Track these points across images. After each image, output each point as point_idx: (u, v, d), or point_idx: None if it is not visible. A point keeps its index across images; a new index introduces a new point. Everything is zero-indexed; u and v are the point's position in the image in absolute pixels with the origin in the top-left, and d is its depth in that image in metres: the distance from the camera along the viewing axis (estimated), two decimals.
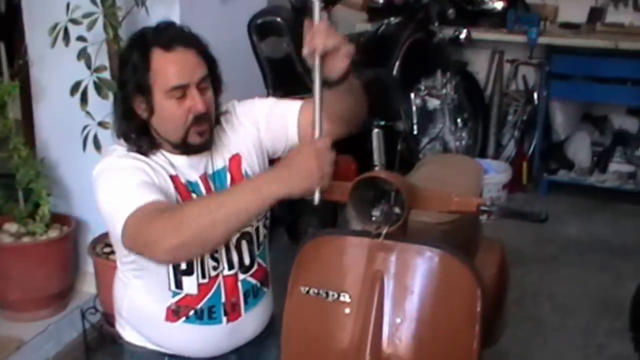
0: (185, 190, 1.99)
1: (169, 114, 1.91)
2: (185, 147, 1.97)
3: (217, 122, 2.06)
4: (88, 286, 3.31)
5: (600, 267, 3.97)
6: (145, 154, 1.96)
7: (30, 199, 3.19)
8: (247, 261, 2.08)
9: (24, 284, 3.16)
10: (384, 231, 1.68)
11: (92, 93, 2.90)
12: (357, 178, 1.73)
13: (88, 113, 2.92)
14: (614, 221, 4.53)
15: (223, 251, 2.03)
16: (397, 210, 1.71)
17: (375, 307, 1.67)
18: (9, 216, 3.22)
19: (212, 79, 2.00)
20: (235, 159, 2.07)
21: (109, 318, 3.08)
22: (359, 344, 1.67)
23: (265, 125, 2.09)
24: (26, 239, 3.16)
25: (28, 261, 3.15)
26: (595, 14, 4.89)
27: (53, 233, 3.20)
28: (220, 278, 2.04)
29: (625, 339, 2.93)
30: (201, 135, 1.95)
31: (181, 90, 1.89)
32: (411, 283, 1.68)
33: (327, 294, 1.71)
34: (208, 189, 2.02)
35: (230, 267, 2.05)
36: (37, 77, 3.34)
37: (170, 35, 1.91)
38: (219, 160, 2.05)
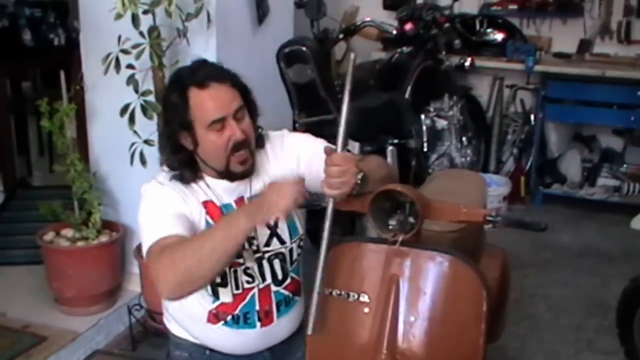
0: (219, 212, 1.97)
1: (212, 145, 1.91)
2: (228, 175, 1.96)
3: (261, 145, 2.04)
4: (134, 285, 3.31)
5: (590, 271, 3.93)
6: (187, 182, 1.96)
7: (84, 208, 3.20)
8: (280, 276, 2.06)
9: (78, 282, 3.17)
10: (400, 238, 1.68)
11: (138, 114, 2.91)
12: (376, 191, 1.71)
13: (135, 132, 2.93)
14: (602, 230, 4.49)
15: (256, 268, 2.01)
16: (411, 219, 1.70)
17: (392, 306, 1.66)
18: (66, 223, 3.23)
19: (248, 107, 1.97)
20: None
21: (152, 314, 3.08)
22: (376, 339, 1.66)
23: (305, 165, 2.05)
24: (80, 243, 3.17)
25: (82, 263, 3.16)
26: (584, 45, 4.89)
27: (103, 238, 3.20)
28: (254, 289, 2.02)
29: (612, 335, 2.89)
30: (242, 164, 1.94)
31: (220, 123, 1.88)
32: (424, 285, 1.67)
33: (348, 294, 1.71)
34: None
35: (264, 280, 2.03)
36: (91, 100, 3.36)
37: (204, 73, 1.89)
38: (259, 184, 2.01)
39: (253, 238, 2.01)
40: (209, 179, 1.99)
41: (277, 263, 2.05)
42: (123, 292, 3.33)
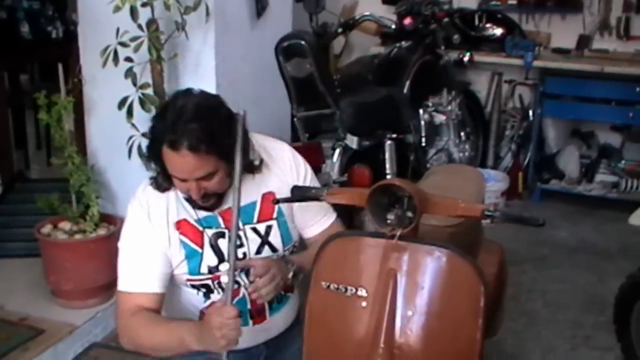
0: (195, 230, 1.97)
1: (174, 181, 1.89)
2: (191, 203, 1.95)
3: (254, 171, 1.99)
4: None
5: (587, 267, 3.94)
6: (162, 190, 1.95)
7: (81, 201, 3.20)
8: None
9: (76, 276, 3.17)
10: (398, 233, 1.67)
11: (137, 107, 2.91)
12: (374, 185, 1.71)
13: (133, 125, 2.93)
14: (599, 226, 4.50)
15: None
16: (409, 214, 1.69)
17: (389, 301, 1.65)
18: (63, 216, 3.23)
19: (228, 160, 1.84)
20: (271, 195, 2.01)
21: None
22: (374, 334, 1.66)
23: (296, 204, 2.05)
24: (78, 236, 3.17)
25: (80, 256, 3.16)
26: (583, 41, 4.88)
27: (101, 231, 3.20)
28: (242, 290, 2.02)
29: (609, 331, 2.90)
30: (204, 202, 1.92)
31: (180, 179, 1.85)
32: (421, 280, 1.67)
33: (345, 289, 1.70)
34: (229, 221, 1.94)
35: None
36: (89, 93, 3.36)
37: (181, 133, 1.76)
38: (249, 194, 1.98)
39: (241, 246, 2.00)
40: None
41: None
42: None
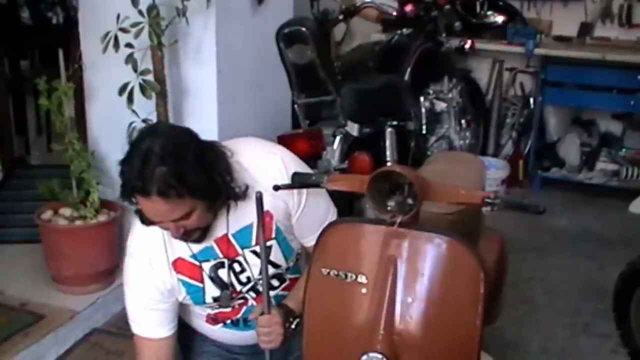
0: (191, 266, 1.94)
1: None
2: (181, 238, 1.88)
3: (240, 198, 1.88)
4: None
5: (587, 255, 3.94)
6: (147, 224, 1.87)
7: (82, 187, 3.19)
8: (276, 284, 2.05)
9: (77, 262, 3.17)
10: (398, 220, 1.66)
11: (137, 94, 2.91)
12: (375, 172, 1.70)
13: (134, 111, 2.93)
14: (599, 214, 4.49)
15: (251, 292, 2.01)
16: (410, 201, 1.68)
17: (389, 288, 1.65)
18: (64, 202, 3.22)
19: (208, 199, 1.79)
20: (267, 215, 1.92)
21: None
22: (374, 321, 1.65)
23: (294, 219, 2.01)
24: (78, 222, 3.17)
25: (80, 242, 3.16)
26: (585, 29, 4.87)
27: (102, 217, 3.20)
28: (250, 300, 2.03)
29: (609, 319, 2.90)
30: (189, 238, 1.87)
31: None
32: (422, 267, 1.66)
33: (345, 275, 1.69)
34: (226, 248, 1.94)
35: (258, 294, 2.01)
36: (90, 79, 3.35)
37: (147, 179, 1.67)
38: (244, 217, 1.91)
39: (243, 271, 1.98)
40: None
41: (273, 279, 2.03)
42: (121, 272, 3.30)
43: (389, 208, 1.70)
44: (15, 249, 3.60)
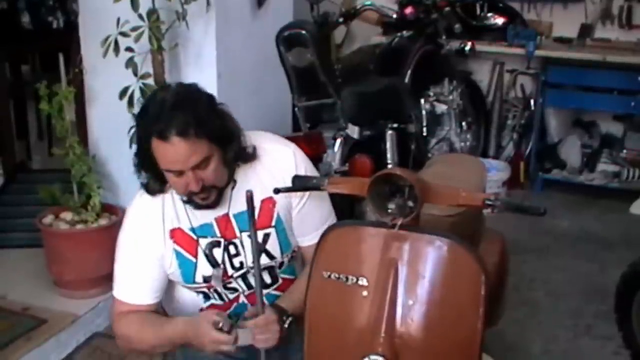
0: (189, 239, 1.96)
1: (170, 181, 1.87)
2: (191, 204, 1.91)
3: (248, 160, 1.95)
4: None
5: (588, 257, 3.93)
6: (153, 194, 1.93)
7: (83, 191, 3.20)
8: (268, 281, 2.05)
9: (78, 266, 3.17)
10: (399, 222, 1.66)
11: (138, 97, 2.90)
12: (376, 174, 1.70)
13: (134, 115, 2.90)
14: (601, 216, 4.49)
15: (240, 281, 2.01)
16: (410, 203, 1.68)
17: (390, 290, 1.65)
18: (65, 206, 3.23)
19: (222, 147, 1.85)
20: (269, 201, 1.97)
21: None
22: (375, 323, 1.65)
23: (295, 212, 2.03)
24: (80, 226, 3.17)
25: (81, 246, 3.16)
26: (585, 30, 4.86)
27: (103, 221, 3.20)
28: (240, 296, 2.03)
29: (610, 320, 2.89)
30: (204, 200, 1.88)
31: (177, 172, 1.81)
32: (422, 269, 1.66)
33: (346, 278, 1.69)
34: (225, 228, 1.96)
35: (250, 288, 2.02)
36: (90, 83, 3.35)
37: (168, 122, 1.74)
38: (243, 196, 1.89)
39: (237, 255, 1.99)
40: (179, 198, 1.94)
41: (265, 273, 2.03)
42: None
43: (389, 211, 1.70)
44: (17, 253, 3.59)
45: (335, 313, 1.72)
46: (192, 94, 1.84)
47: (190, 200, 1.89)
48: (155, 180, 1.91)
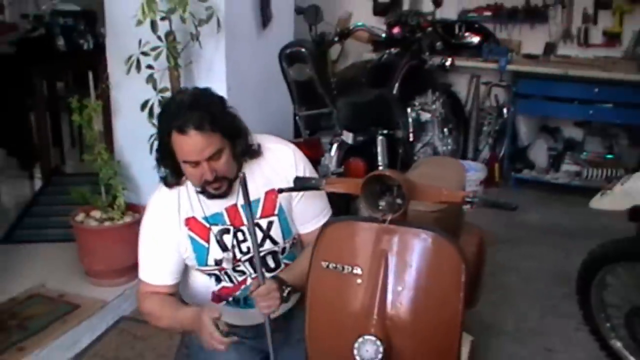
0: (202, 226, 1.95)
1: (187, 173, 1.87)
2: (205, 194, 1.91)
3: (254, 156, 1.95)
4: None
5: (555, 246, 3.91)
6: (170, 186, 1.94)
7: (110, 193, 3.19)
8: (272, 265, 2.03)
9: (106, 258, 3.16)
10: (389, 218, 1.65)
11: (157, 109, 2.89)
12: (367, 175, 1.69)
13: (154, 125, 2.89)
14: (565, 210, 4.46)
15: (247, 265, 1.99)
16: (399, 201, 1.67)
17: (382, 278, 1.64)
18: (94, 206, 3.22)
19: (232, 141, 1.86)
20: (273, 192, 1.97)
21: None
22: (368, 307, 1.64)
23: (295, 202, 2.03)
24: (107, 223, 3.16)
25: (109, 240, 3.15)
26: (549, 48, 4.85)
27: (127, 219, 3.19)
28: (249, 280, 2.01)
29: (573, 301, 2.87)
30: (217, 189, 1.88)
31: (193, 163, 1.82)
32: (410, 259, 1.65)
33: (342, 267, 1.68)
34: (234, 217, 1.95)
35: (256, 271, 1.97)
36: (116, 97, 3.34)
37: (185, 119, 1.76)
38: (253, 191, 1.89)
39: (244, 241, 1.97)
40: (194, 189, 1.94)
41: (269, 258, 2.02)
42: None
43: (380, 207, 1.69)
44: (53, 247, 3.58)
45: (332, 299, 1.71)
46: (207, 96, 1.86)
47: (204, 190, 1.90)
48: (172, 173, 1.92)
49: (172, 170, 1.91)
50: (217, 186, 1.87)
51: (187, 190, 1.95)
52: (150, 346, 2.86)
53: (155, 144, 2.66)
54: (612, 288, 2.71)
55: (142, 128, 2.94)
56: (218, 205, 1.95)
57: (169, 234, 1.95)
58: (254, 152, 1.95)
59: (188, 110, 1.78)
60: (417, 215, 1.84)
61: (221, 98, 1.89)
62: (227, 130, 1.83)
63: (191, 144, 1.78)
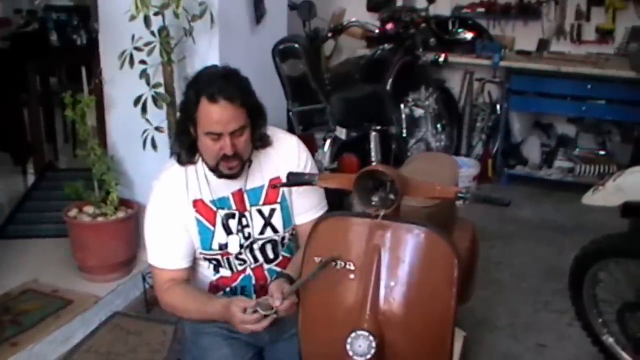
0: (209, 209, 1.95)
1: (205, 147, 1.87)
2: (216, 173, 1.91)
3: (263, 146, 1.97)
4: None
5: (548, 242, 3.93)
6: (183, 164, 1.94)
7: (103, 188, 3.17)
8: (271, 256, 2.03)
9: (99, 253, 3.14)
10: (382, 213, 1.65)
11: (150, 105, 2.89)
12: (361, 171, 1.68)
13: (147, 120, 2.91)
14: (557, 206, 4.48)
15: (248, 252, 1.99)
16: (392, 196, 1.67)
17: (375, 273, 1.63)
18: (87, 201, 3.20)
19: (254, 122, 1.89)
20: (277, 180, 1.99)
21: None
22: (361, 303, 1.63)
23: (294, 191, 2.03)
24: (100, 219, 3.14)
25: (102, 236, 3.13)
26: (543, 45, 4.86)
27: (121, 214, 3.17)
28: (248, 269, 2.01)
29: (565, 297, 2.87)
30: (230, 169, 1.88)
31: (216, 135, 1.82)
32: (403, 254, 1.64)
33: (336, 263, 1.67)
34: (240, 202, 1.96)
35: (256, 261, 2.01)
36: (109, 92, 3.32)
37: (219, 87, 1.79)
38: (258, 179, 1.96)
39: (247, 226, 1.98)
40: (206, 169, 1.94)
41: (269, 247, 2.03)
42: (138, 262, 3.29)
43: (373, 203, 1.69)
44: (47, 242, 3.56)
45: (326, 294, 1.70)
46: (239, 74, 1.89)
47: (216, 169, 1.89)
48: (188, 150, 1.92)
49: (187, 148, 1.92)
50: (232, 165, 1.87)
51: (196, 172, 1.95)
52: (144, 341, 2.86)
53: (149, 140, 2.67)
54: (605, 284, 2.71)
55: (135, 123, 2.93)
56: (225, 190, 1.96)
57: (179, 214, 1.94)
58: (267, 141, 1.98)
59: (222, 79, 1.81)
60: (410, 211, 1.84)
61: (249, 80, 1.91)
62: (254, 110, 1.86)
63: (220, 113, 1.78)
